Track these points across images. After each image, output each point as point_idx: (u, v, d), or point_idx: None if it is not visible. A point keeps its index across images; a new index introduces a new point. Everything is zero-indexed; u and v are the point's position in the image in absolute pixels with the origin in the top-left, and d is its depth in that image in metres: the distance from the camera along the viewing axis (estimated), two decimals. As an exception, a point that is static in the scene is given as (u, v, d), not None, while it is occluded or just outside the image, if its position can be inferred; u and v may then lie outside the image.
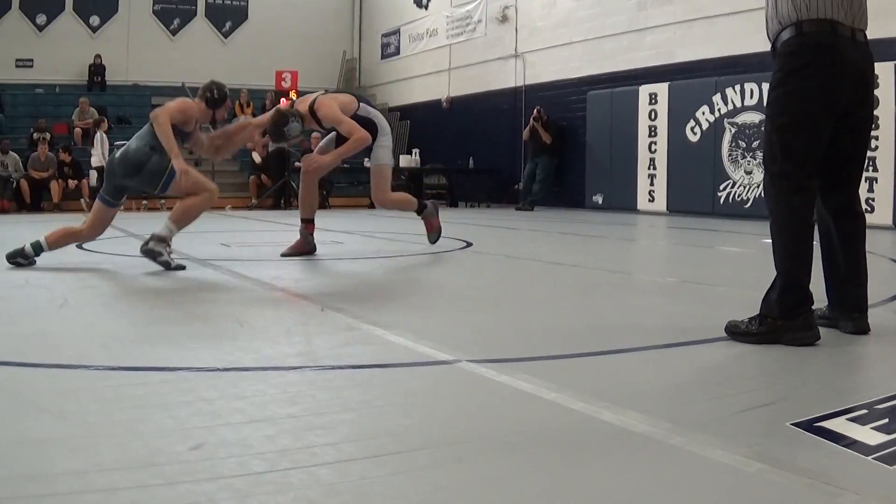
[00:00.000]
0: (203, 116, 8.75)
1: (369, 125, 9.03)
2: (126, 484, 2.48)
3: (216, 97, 8.69)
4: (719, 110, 17.72)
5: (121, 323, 5.29)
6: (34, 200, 22.75)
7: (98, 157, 22.36)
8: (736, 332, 4.50)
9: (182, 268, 8.07)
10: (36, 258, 8.29)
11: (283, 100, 26.53)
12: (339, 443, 2.85)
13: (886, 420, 3.09)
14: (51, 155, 23.30)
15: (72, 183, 23.22)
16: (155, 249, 8.14)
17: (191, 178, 8.16)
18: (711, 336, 4.58)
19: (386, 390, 3.62)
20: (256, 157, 23.99)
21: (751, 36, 15.93)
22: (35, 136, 24.43)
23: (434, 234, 10.22)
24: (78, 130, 26.71)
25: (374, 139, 9.12)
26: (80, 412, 3.19)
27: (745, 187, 17.10)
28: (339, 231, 13.44)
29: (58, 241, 8.56)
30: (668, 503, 2.38)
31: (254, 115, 29.26)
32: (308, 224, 9.33)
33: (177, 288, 6.95)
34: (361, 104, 9.21)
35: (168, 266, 8.02)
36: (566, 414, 3.18)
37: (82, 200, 22.45)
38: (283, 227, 11.64)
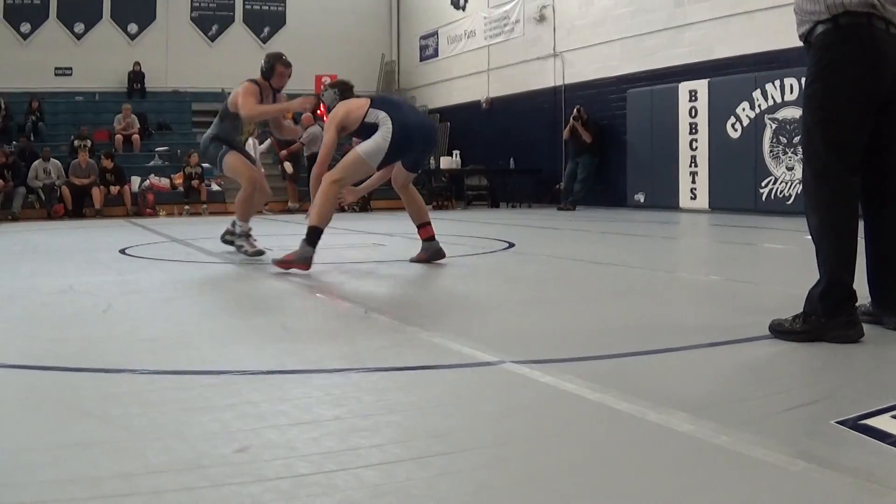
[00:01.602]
0: (265, 89, 9.51)
1: (373, 130, 8.43)
2: (172, 486, 2.50)
3: (264, 68, 9.52)
4: (759, 106, 17.61)
5: (165, 327, 5.31)
6: (76, 207, 22.89)
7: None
8: (780, 331, 4.47)
9: (262, 253, 9.26)
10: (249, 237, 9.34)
11: (322, 104, 26.73)
12: (384, 444, 2.86)
13: (933, 416, 3.06)
14: (91, 162, 23.44)
15: (114, 189, 23.33)
16: (235, 242, 9.55)
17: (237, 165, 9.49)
18: (755, 334, 4.55)
19: (430, 392, 3.63)
20: (288, 167, 23.97)
21: (789, 31, 15.65)
22: (76, 143, 24.57)
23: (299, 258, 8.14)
24: (119, 137, 26.85)
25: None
26: (125, 416, 3.22)
27: (786, 183, 16.97)
28: (381, 234, 13.48)
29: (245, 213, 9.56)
30: (712, 503, 2.38)
31: (294, 121, 29.48)
32: (420, 229, 8.89)
33: (220, 292, 6.98)
34: (371, 110, 8.38)
35: (248, 254, 9.29)
36: (611, 414, 3.17)
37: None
38: (326, 231, 11.65)
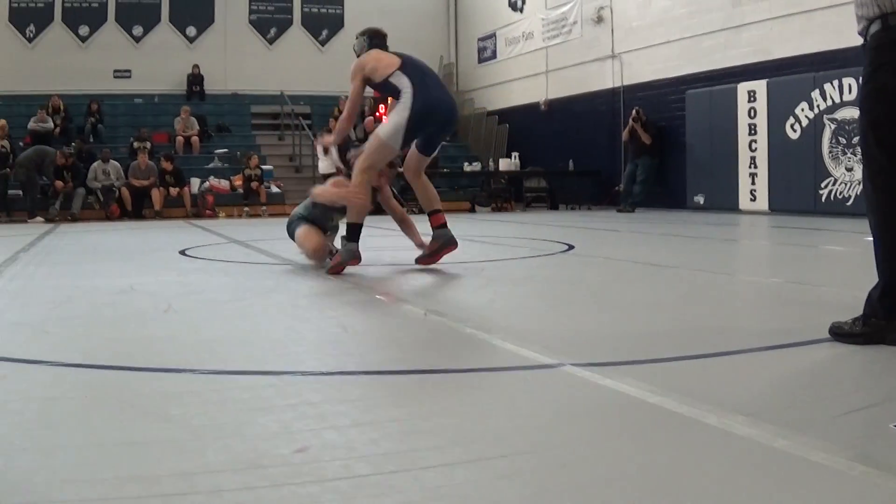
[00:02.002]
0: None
1: (393, 93, 8.33)
2: (231, 486, 2.51)
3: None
4: (818, 106, 17.48)
5: (225, 328, 5.34)
6: (136, 208, 23.09)
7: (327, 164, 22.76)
8: (840, 333, 4.43)
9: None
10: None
11: (381, 106, 26.79)
12: (444, 446, 2.86)
13: None
14: (151, 164, 23.64)
15: (173, 191, 23.51)
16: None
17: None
18: (815, 337, 4.51)
19: (490, 394, 3.62)
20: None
21: (848, 30, 15.56)
22: (135, 145, 24.79)
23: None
24: (179, 139, 27.04)
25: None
26: (185, 415, 3.24)
27: (846, 184, 16.83)
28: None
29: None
30: (774, 505, 2.36)
31: (354, 125, 29.49)
32: (431, 217, 8.57)
33: (279, 293, 7.00)
34: (398, 72, 8.21)
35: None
36: (670, 417, 3.16)
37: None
38: (384, 232, 11.68)
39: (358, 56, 8.58)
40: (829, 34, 17.19)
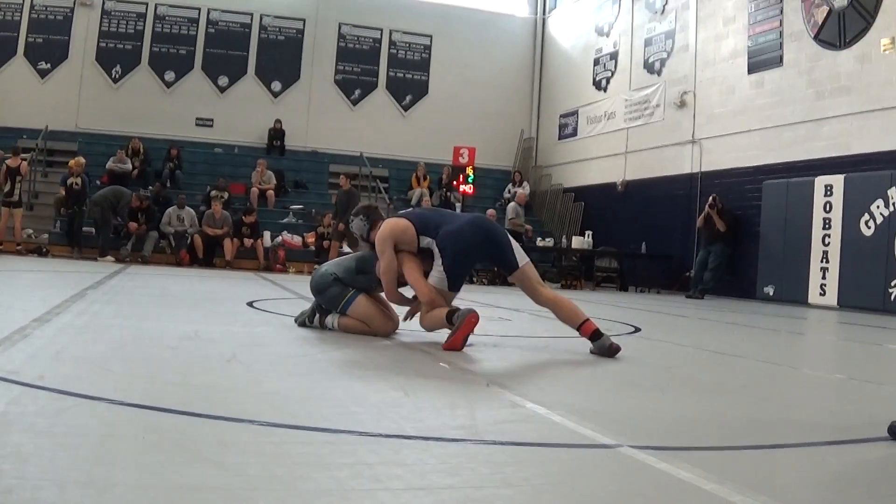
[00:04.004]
0: None
1: (429, 253, 8.05)
2: (282, 539, 2.51)
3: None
4: (894, 204, 17.40)
5: (286, 382, 5.36)
6: (207, 256, 23.33)
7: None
8: (899, 432, 4.39)
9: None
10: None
11: (461, 175, 26.90)
12: (494, 518, 2.85)
13: None
14: (225, 213, 23.92)
15: (248, 242, 23.74)
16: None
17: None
18: (874, 435, 4.46)
19: (546, 469, 3.60)
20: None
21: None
22: (212, 193, 25.07)
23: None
24: (255, 191, 27.30)
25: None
26: (241, 464, 3.24)
27: (916, 284, 16.78)
28: (507, 308, 13.47)
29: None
30: None
31: (430, 190, 29.65)
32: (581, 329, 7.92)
33: (343, 352, 7.02)
34: (420, 236, 8.01)
35: None
36: (724, 506, 3.13)
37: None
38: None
39: (364, 237, 8.43)
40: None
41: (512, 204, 26.79)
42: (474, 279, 23.29)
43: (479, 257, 8.39)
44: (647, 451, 3.85)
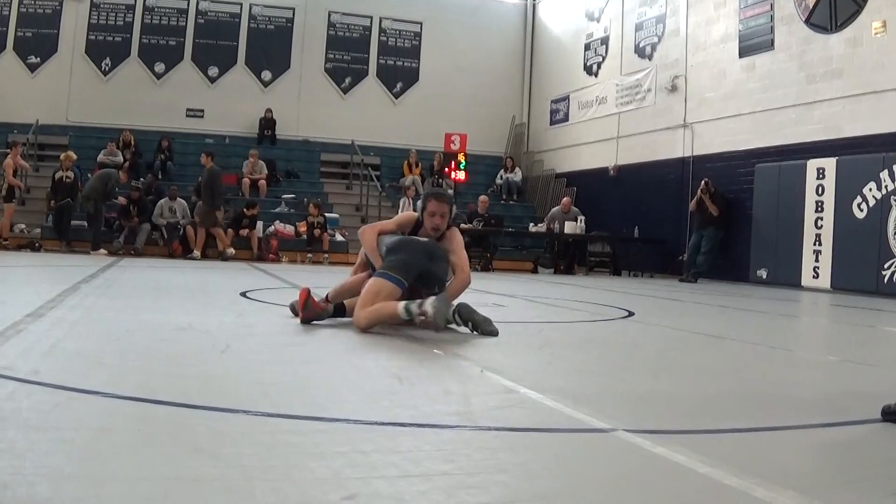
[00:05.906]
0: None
1: None
2: (278, 529, 2.51)
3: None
4: (886, 187, 17.41)
5: (281, 371, 5.35)
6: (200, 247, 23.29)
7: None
8: (891, 413, 4.39)
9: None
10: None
11: (453, 162, 26.92)
12: (491, 503, 2.85)
13: None
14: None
15: (243, 232, 23.73)
16: None
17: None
18: (867, 417, 4.47)
19: (540, 454, 3.61)
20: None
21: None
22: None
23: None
24: (246, 181, 27.30)
25: None
26: (236, 455, 3.24)
27: (910, 266, 16.79)
28: (502, 294, 13.47)
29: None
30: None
31: (422, 177, 29.67)
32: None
33: (337, 341, 7.02)
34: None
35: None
36: (719, 489, 3.12)
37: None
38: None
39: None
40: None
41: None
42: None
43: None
44: (642, 435, 3.86)
